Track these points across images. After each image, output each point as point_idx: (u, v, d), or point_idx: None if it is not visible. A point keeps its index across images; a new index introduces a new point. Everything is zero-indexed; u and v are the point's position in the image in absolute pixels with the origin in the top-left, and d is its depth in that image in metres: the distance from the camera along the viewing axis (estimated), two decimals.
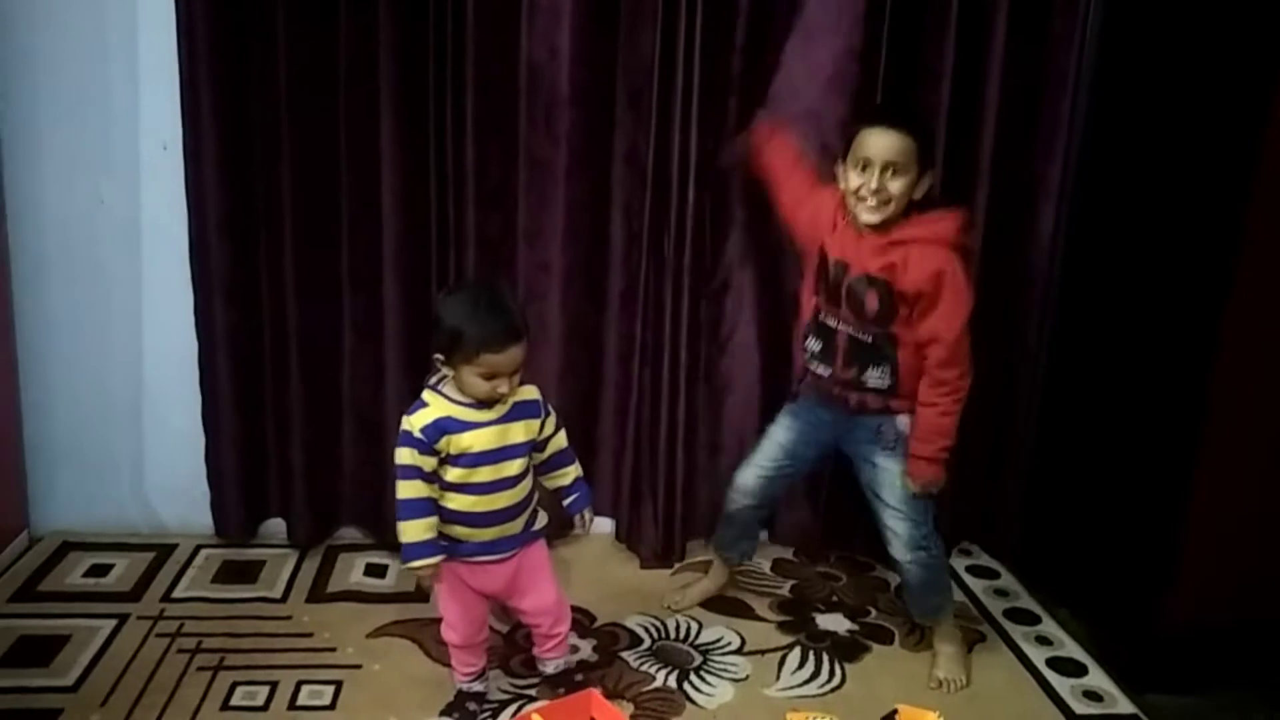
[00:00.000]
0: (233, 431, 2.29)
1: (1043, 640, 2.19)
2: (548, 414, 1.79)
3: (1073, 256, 2.32)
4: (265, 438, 2.33)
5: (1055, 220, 2.30)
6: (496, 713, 1.85)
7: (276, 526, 2.40)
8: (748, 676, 2.00)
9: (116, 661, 1.93)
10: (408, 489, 1.69)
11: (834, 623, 2.21)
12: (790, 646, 2.11)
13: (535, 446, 1.78)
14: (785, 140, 2.09)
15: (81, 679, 1.88)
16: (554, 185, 2.22)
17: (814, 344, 1.99)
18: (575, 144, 2.20)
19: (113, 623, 2.06)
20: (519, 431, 1.73)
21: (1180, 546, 1.95)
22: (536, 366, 2.00)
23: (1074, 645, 2.18)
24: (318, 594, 2.21)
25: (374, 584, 2.26)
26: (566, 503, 1.87)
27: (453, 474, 1.70)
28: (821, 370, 1.99)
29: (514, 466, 1.73)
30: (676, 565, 2.40)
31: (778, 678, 2.01)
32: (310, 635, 2.06)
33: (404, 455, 1.68)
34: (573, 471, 1.86)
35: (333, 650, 2.01)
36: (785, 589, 2.34)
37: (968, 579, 2.43)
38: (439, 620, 1.83)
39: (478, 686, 1.86)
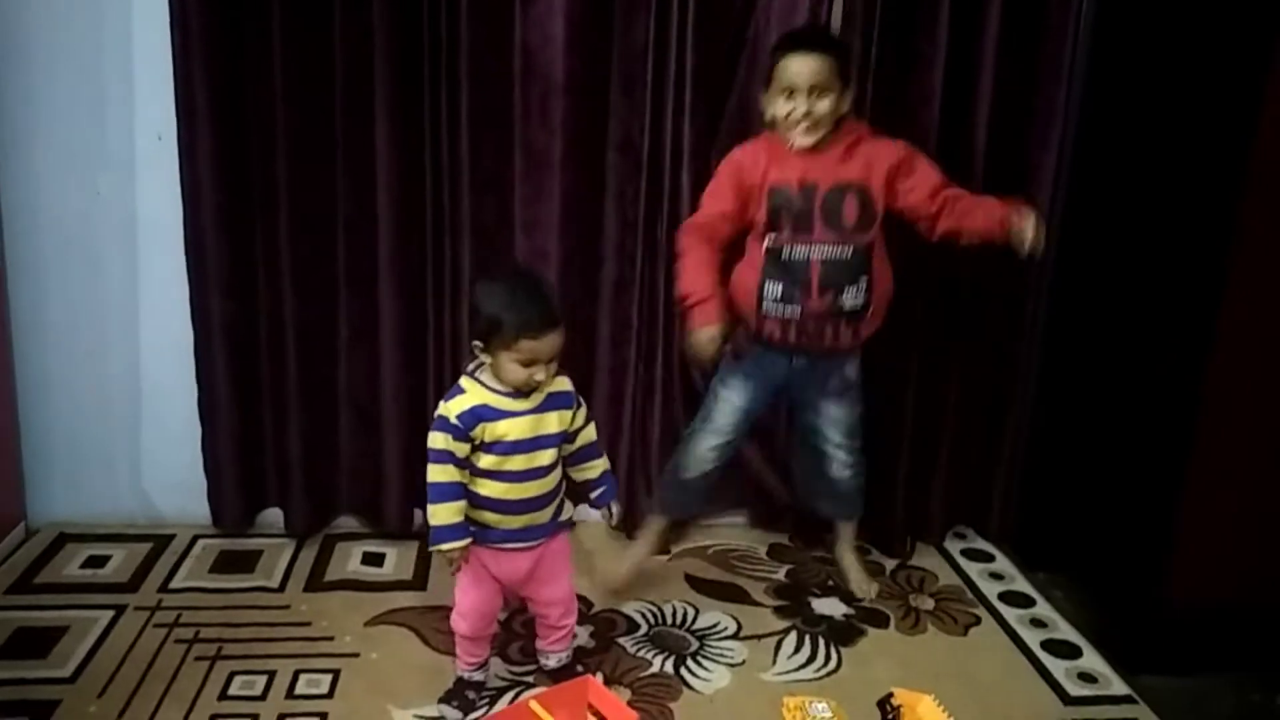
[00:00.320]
0: (229, 422, 2.29)
1: (1037, 623, 2.20)
2: (579, 405, 1.79)
3: (1068, 243, 2.33)
4: (262, 428, 2.33)
5: (1050, 208, 2.29)
6: (494, 700, 1.85)
7: (274, 516, 2.40)
8: (744, 661, 2.01)
9: (114, 652, 1.94)
10: (439, 473, 1.69)
11: (830, 607, 2.22)
12: (786, 631, 2.12)
13: (566, 438, 1.78)
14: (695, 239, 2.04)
15: (79, 670, 1.88)
16: (549, 174, 2.22)
17: (773, 288, 1.99)
18: (570, 132, 2.19)
19: (110, 613, 2.06)
20: (553, 422, 1.74)
21: (1175, 530, 1.96)
22: None
23: (1068, 628, 2.19)
24: (315, 583, 2.21)
25: (371, 573, 2.26)
26: (594, 495, 1.87)
27: (486, 461, 1.70)
28: (789, 313, 1.99)
29: (546, 456, 1.73)
30: (673, 550, 2.41)
31: (774, 662, 2.02)
32: (308, 624, 2.06)
33: (438, 440, 1.68)
34: (600, 464, 1.86)
35: (330, 639, 2.01)
36: (781, 574, 2.35)
37: (963, 562, 2.45)
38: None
39: (478, 676, 1.87)
